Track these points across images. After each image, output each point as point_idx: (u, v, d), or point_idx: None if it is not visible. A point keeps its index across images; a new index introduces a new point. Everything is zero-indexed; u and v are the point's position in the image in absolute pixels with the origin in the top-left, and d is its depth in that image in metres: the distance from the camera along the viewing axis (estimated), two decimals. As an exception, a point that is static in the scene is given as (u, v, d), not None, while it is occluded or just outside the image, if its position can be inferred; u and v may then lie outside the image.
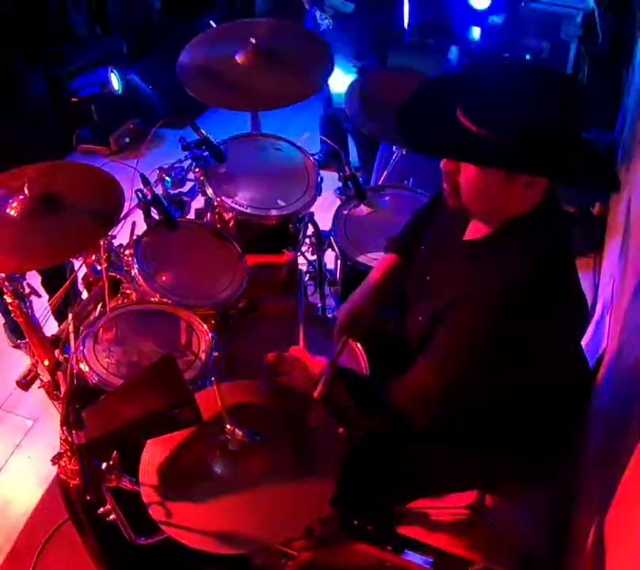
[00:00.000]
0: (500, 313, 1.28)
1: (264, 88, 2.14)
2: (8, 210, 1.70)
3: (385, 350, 1.77)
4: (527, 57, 3.65)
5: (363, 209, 2.23)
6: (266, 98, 2.15)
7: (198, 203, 2.22)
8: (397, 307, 1.72)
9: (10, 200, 1.70)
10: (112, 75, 3.77)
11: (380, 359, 1.75)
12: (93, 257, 1.89)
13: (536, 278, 1.29)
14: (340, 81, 2.97)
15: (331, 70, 2.21)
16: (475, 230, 1.40)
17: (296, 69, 2.18)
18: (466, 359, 1.33)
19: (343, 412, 1.51)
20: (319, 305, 2.33)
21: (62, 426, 1.49)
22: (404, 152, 2.38)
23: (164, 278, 1.85)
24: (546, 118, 1.19)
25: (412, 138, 1.32)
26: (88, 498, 1.35)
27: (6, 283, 1.74)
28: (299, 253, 2.30)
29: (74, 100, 3.69)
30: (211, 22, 2.37)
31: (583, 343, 1.57)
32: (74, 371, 1.64)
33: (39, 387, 1.96)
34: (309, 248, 2.32)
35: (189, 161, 2.11)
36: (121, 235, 1.93)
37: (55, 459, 1.47)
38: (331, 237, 2.19)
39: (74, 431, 1.27)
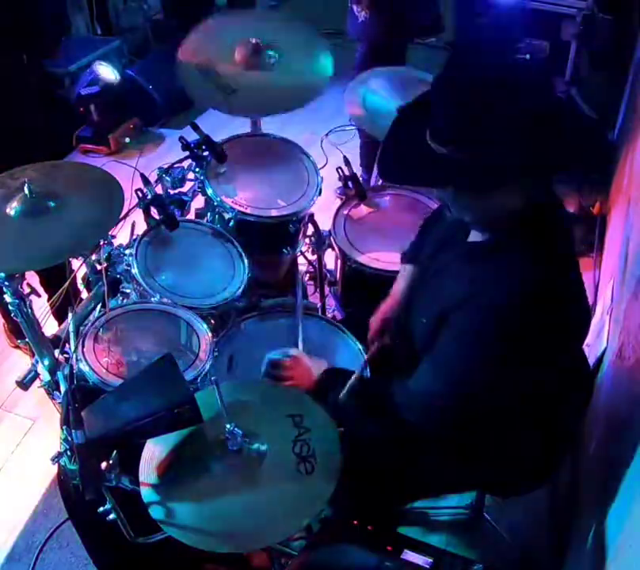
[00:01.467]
0: (503, 314, 1.27)
1: (264, 91, 2.14)
2: (8, 211, 1.70)
3: (385, 351, 1.77)
4: (527, 57, 3.65)
5: (363, 209, 2.23)
6: (266, 103, 2.15)
7: (198, 203, 2.22)
8: (399, 307, 1.72)
9: (10, 200, 1.70)
10: (101, 67, 3.72)
11: (380, 360, 1.75)
12: (93, 257, 1.89)
13: (538, 279, 1.29)
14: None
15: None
16: (478, 233, 1.40)
17: (296, 70, 2.18)
18: (469, 361, 1.33)
19: (344, 415, 1.52)
20: (319, 305, 2.33)
21: (62, 426, 1.49)
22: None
23: (164, 278, 1.85)
24: (487, 126, 1.16)
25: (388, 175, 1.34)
26: (88, 498, 1.34)
27: (6, 283, 1.74)
28: (299, 253, 2.31)
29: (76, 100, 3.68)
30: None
31: (583, 343, 1.56)
32: (74, 371, 1.64)
33: (39, 387, 1.96)
34: (309, 248, 2.32)
35: (189, 161, 2.11)
36: (121, 235, 1.93)
37: (55, 459, 1.47)
38: (331, 237, 2.19)
39: (74, 431, 1.27)
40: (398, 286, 1.76)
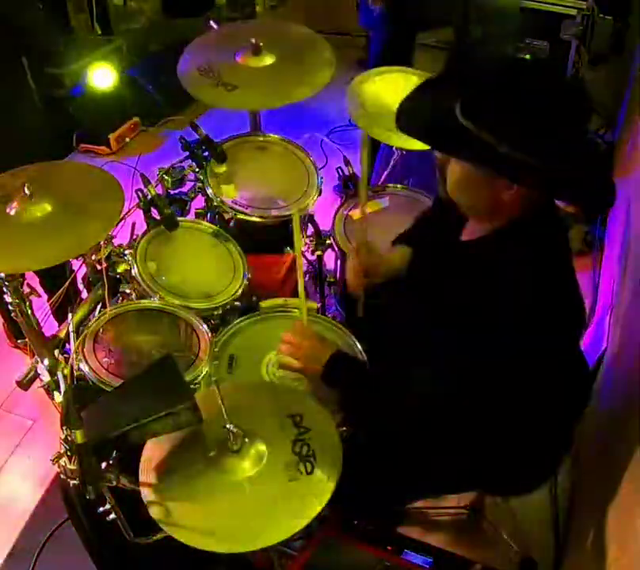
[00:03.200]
0: (499, 314, 1.28)
1: (265, 88, 2.15)
2: (8, 210, 1.70)
3: (385, 351, 1.77)
4: (527, 57, 3.65)
5: (363, 209, 2.23)
6: (266, 98, 2.16)
7: (198, 203, 2.22)
8: (398, 307, 1.72)
9: (10, 200, 1.70)
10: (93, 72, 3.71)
11: (381, 361, 1.75)
12: (93, 257, 1.89)
13: (532, 280, 1.29)
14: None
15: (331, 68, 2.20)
16: (471, 231, 1.40)
17: (296, 69, 2.18)
18: (466, 364, 1.33)
19: (343, 402, 1.52)
20: (319, 304, 2.33)
21: (62, 426, 1.49)
22: (404, 152, 2.38)
23: (164, 278, 1.85)
24: (544, 123, 1.17)
25: (402, 122, 1.32)
26: (88, 498, 1.34)
27: (6, 283, 1.74)
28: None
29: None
30: (212, 22, 2.37)
31: (583, 343, 1.56)
32: (74, 371, 1.64)
33: (39, 387, 1.96)
34: (309, 248, 2.32)
35: (189, 161, 2.11)
36: (121, 235, 1.93)
37: (55, 459, 1.47)
38: (331, 237, 2.19)
39: (74, 431, 1.27)
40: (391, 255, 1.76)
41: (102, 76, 3.74)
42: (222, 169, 2.12)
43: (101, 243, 1.83)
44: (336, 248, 2.18)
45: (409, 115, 1.31)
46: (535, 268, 1.29)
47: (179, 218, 1.95)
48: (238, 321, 1.86)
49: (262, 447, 1.37)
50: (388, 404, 1.46)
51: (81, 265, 1.97)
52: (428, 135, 1.29)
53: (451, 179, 1.30)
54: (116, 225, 1.76)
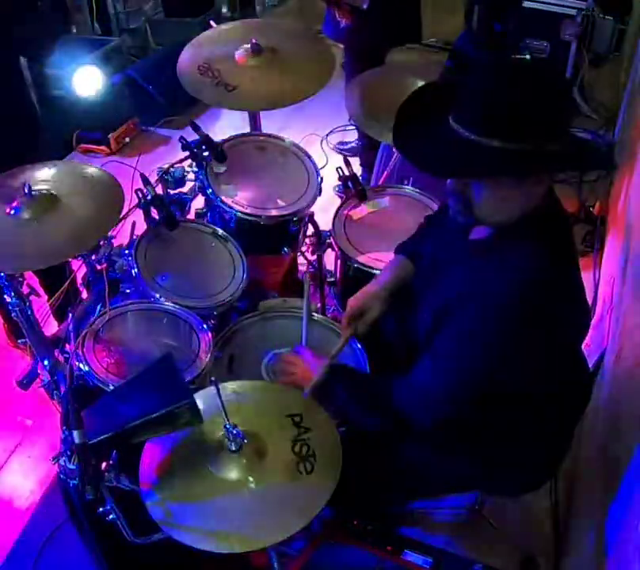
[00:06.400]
0: (501, 314, 1.28)
1: (264, 88, 2.15)
2: (8, 210, 1.70)
3: (385, 350, 1.77)
4: (528, 57, 3.66)
5: (364, 209, 2.23)
6: (266, 98, 2.16)
7: (198, 203, 2.22)
8: (398, 306, 1.72)
9: (10, 200, 1.71)
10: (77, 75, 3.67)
11: (380, 359, 1.75)
12: (93, 257, 1.89)
13: (538, 279, 1.29)
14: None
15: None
16: (480, 230, 1.40)
17: (296, 69, 2.18)
18: (467, 360, 1.33)
19: (343, 410, 1.52)
20: (319, 305, 2.33)
21: (62, 426, 1.49)
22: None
23: (164, 278, 1.85)
24: (542, 115, 1.19)
25: (417, 161, 1.29)
26: (88, 498, 1.34)
27: (6, 283, 1.75)
28: (299, 253, 2.31)
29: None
30: (212, 22, 2.37)
31: (583, 343, 1.57)
32: (74, 371, 1.64)
33: (39, 387, 1.96)
34: (309, 248, 2.32)
35: (189, 161, 2.11)
36: (121, 235, 1.93)
37: (55, 459, 1.47)
38: (331, 237, 2.19)
39: (73, 431, 1.27)
40: (386, 276, 1.74)
41: (102, 76, 3.74)
42: (222, 169, 2.12)
43: (101, 243, 1.83)
44: (336, 248, 2.18)
45: (415, 152, 1.29)
46: (545, 264, 1.29)
47: (179, 218, 1.95)
48: (238, 320, 1.86)
49: (262, 447, 1.37)
50: (384, 409, 1.46)
51: (81, 265, 1.97)
52: (454, 172, 1.27)
53: (486, 201, 1.28)
54: (116, 225, 1.76)
